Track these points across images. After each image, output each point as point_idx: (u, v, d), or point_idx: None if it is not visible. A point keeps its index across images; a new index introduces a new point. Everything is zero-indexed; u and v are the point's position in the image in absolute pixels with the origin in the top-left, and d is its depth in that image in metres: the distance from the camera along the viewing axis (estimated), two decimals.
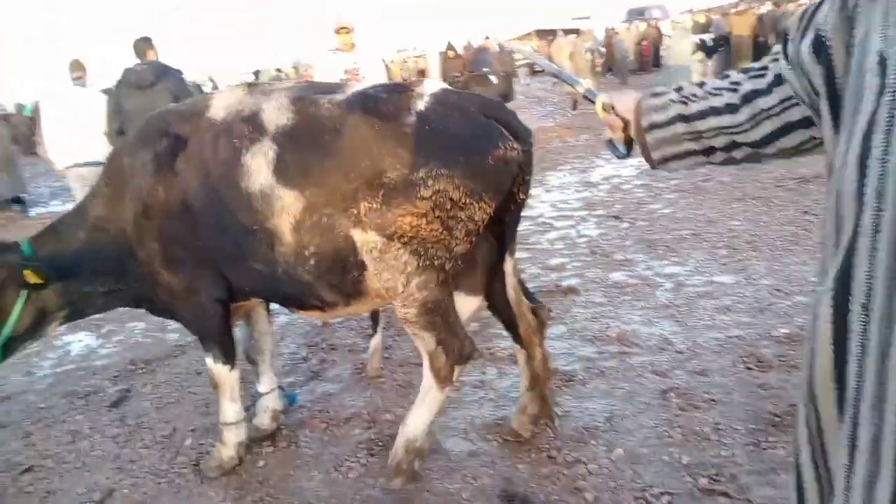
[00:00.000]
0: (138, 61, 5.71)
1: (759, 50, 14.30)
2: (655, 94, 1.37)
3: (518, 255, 5.29)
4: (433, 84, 2.47)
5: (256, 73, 27.59)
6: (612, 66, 22.12)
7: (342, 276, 2.43)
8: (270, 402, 3.14)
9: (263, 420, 3.13)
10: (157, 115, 2.81)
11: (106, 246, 2.72)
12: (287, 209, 2.36)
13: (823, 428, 0.86)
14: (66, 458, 3.19)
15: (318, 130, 2.36)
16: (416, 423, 2.56)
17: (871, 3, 0.86)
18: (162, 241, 2.61)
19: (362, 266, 2.39)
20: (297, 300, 2.63)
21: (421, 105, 2.29)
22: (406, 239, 2.25)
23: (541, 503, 2.45)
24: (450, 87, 2.54)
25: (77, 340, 4.84)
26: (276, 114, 2.44)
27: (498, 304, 2.69)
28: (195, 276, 2.65)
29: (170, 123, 2.65)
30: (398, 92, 2.39)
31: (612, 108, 1.47)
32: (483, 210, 2.28)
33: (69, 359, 4.51)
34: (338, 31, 5.51)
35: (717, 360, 3.31)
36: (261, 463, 2.93)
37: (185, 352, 4.31)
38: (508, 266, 2.56)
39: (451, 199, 2.21)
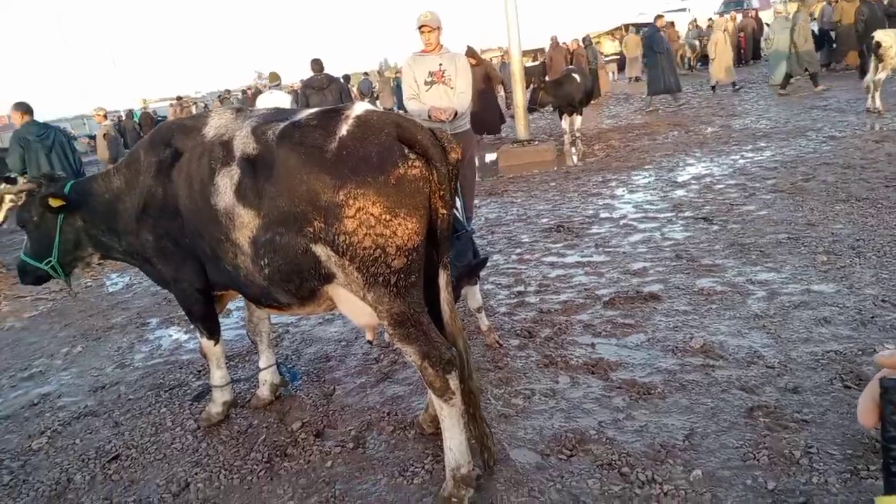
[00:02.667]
0: (313, 74, 9.94)
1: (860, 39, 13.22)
2: None
3: (597, 258, 5.19)
4: (359, 107, 2.55)
5: (346, 77, 28.29)
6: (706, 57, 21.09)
7: (298, 284, 2.61)
8: (269, 377, 3.64)
9: (263, 392, 3.65)
10: (167, 125, 3.19)
11: (118, 213, 3.24)
12: (246, 226, 2.63)
13: None
14: (149, 448, 3.34)
15: (268, 158, 2.56)
16: (450, 448, 2.52)
17: None
18: (155, 234, 3.09)
19: (316, 275, 2.55)
20: (256, 300, 2.94)
21: (343, 129, 2.43)
22: (349, 255, 2.38)
23: None
24: (373, 110, 2.57)
25: (168, 335, 5.09)
26: (242, 142, 2.69)
27: (433, 318, 2.60)
28: (180, 268, 3.12)
29: (173, 136, 3.01)
30: (327, 118, 2.54)
31: None
32: (404, 226, 2.35)
33: (159, 353, 4.75)
34: (420, 30, 5.26)
35: (811, 377, 3.04)
36: (328, 463, 2.95)
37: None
38: (442, 280, 2.54)
39: (374, 216, 2.32)
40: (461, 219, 3.64)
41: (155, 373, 4.35)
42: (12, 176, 8.78)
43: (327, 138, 2.41)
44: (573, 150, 11.33)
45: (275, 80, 10.04)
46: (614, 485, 2.52)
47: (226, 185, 2.66)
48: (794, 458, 2.49)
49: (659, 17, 15.35)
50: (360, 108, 2.52)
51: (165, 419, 3.63)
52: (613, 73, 28.10)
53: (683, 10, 30.10)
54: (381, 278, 2.38)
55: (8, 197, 8.60)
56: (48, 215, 3.33)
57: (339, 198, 2.34)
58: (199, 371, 4.21)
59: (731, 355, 3.37)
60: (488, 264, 5.54)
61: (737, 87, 15.75)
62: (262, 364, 3.64)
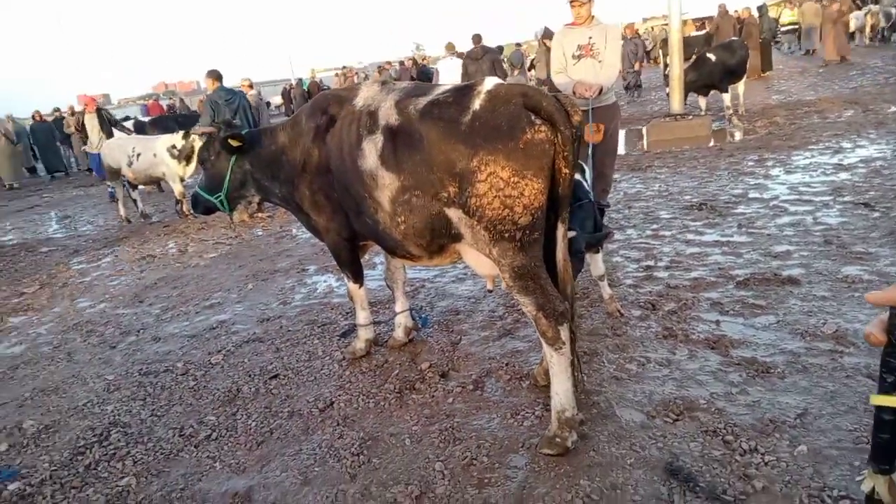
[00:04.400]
0: (473, 46, 11.68)
1: None
2: None
3: (738, 238, 5.09)
4: (489, 82, 2.78)
5: (500, 48, 28.36)
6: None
7: (429, 240, 2.98)
8: (403, 320, 4.06)
9: (398, 333, 4.07)
10: (324, 95, 3.63)
11: (280, 164, 3.70)
12: (387, 187, 2.98)
13: None
14: (302, 371, 3.90)
15: (409, 129, 2.88)
16: (556, 392, 2.76)
17: None
18: (311, 189, 3.54)
19: (446, 234, 2.89)
20: (392, 251, 3.34)
21: (476, 103, 2.69)
22: (479, 216, 2.66)
23: (705, 482, 2.43)
24: (501, 83, 2.77)
25: (323, 281, 5.72)
26: (386, 112, 3.02)
27: (549, 266, 2.82)
28: (331, 218, 3.55)
29: (329, 104, 3.42)
30: (461, 94, 2.81)
31: None
32: (531, 186, 2.57)
33: (315, 294, 5.38)
34: (571, 4, 5.21)
35: None
36: (450, 400, 3.29)
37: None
38: (559, 233, 2.77)
39: (503, 179, 2.58)
40: (586, 188, 3.76)
41: (311, 311, 4.97)
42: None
43: (462, 112, 2.70)
44: (730, 125, 10.73)
45: (451, 49, 12.70)
46: (716, 450, 2.61)
47: (371, 150, 3.02)
48: None
49: None
50: (489, 82, 2.78)
51: (317, 349, 4.19)
52: (791, 44, 25.74)
53: None
54: (506, 234, 2.63)
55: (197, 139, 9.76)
56: (223, 155, 3.88)
57: (473, 164, 2.62)
58: (347, 312, 4.74)
59: (864, 344, 3.24)
60: (619, 237, 5.59)
61: None
62: (397, 309, 4.07)
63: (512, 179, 2.57)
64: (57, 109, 22.70)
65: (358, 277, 3.88)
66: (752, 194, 6.39)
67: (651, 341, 3.62)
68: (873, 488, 1.35)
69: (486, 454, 2.80)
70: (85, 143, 12.48)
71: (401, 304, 4.06)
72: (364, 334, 3.98)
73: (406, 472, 2.76)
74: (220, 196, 3.97)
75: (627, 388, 3.17)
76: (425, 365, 3.69)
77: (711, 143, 9.69)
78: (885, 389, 1.29)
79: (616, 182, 7.74)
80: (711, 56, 10.97)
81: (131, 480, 3.03)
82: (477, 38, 11.71)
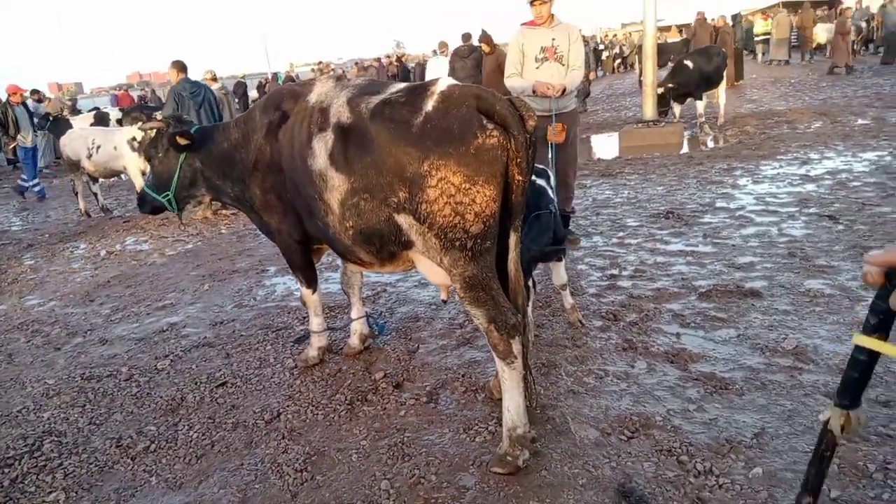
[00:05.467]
0: (461, 44, 11.89)
1: None
2: None
3: (702, 248, 5.04)
4: (443, 83, 2.67)
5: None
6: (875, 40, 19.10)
7: (378, 246, 2.87)
8: (359, 327, 3.92)
9: (353, 341, 3.92)
10: (277, 90, 3.52)
11: (233, 162, 3.55)
12: (336, 188, 2.86)
13: None
14: (251, 379, 3.75)
15: (360, 129, 2.76)
16: (508, 409, 2.66)
17: None
18: (263, 189, 3.39)
19: (396, 241, 2.77)
20: (343, 255, 3.25)
21: (429, 104, 2.58)
22: (429, 223, 2.55)
23: None
24: (455, 84, 2.67)
25: (282, 283, 5.56)
26: (337, 110, 2.89)
27: (501, 276, 2.73)
28: (282, 220, 3.41)
29: (283, 99, 3.28)
30: (414, 94, 2.70)
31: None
32: (482, 193, 2.47)
33: (272, 297, 5.21)
34: (531, 3, 5.06)
35: None
36: (402, 413, 3.17)
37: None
38: (511, 241, 2.67)
39: (454, 185, 2.47)
40: (551, 195, 3.67)
41: (266, 314, 4.81)
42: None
43: (414, 114, 2.57)
44: (702, 133, 10.77)
45: (443, 47, 13.32)
46: (669, 470, 2.54)
47: (321, 149, 2.89)
48: (867, 472, 2.39)
49: None
50: (444, 83, 2.66)
51: (269, 356, 4.04)
52: (765, 53, 26.10)
53: None
54: (458, 243, 2.53)
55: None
56: (171, 153, 3.71)
57: (424, 168, 2.50)
58: (304, 317, 4.58)
59: (823, 360, 3.21)
60: (585, 245, 5.52)
61: None
62: (353, 315, 3.93)
63: (463, 185, 2.46)
64: None
65: (311, 282, 3.74)
66: (718, 203, 6.38)
67: (610, 353, 3.55)
68: (829, 419, 1.47)
69: (434, 472, 2.68)
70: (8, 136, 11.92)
71: (356, 310, 3.93)
72: (317, 341, 3.83)
73: (350, 492, 2.63)
74: (167, 195, 3.80)
75: (584, 402, 3.08)
76: (379, 375, 3.57)
77: (683, 151, 9.71)
78: (867, 330, 1.37)
79: (586, 188, 7.71)
80: (689, 63, 10.96)
81: (60, 495, 2.86)
82: (466, 37, 12.02)
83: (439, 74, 11.35)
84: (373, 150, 2.66)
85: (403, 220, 2.64)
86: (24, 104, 11.64)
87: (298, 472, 2.78)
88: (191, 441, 3.16)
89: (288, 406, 3.37)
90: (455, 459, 2.76)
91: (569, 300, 3.92)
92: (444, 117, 2.51)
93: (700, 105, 11.10)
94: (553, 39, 5.09)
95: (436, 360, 3.71)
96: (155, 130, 3.86)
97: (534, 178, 3.27)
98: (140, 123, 8.93)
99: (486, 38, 11.03)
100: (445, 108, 2.52)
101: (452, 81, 2.70)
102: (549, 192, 3.70)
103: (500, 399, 2.98)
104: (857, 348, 1.39)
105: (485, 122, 2.47)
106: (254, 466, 2.89)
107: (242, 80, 24.59)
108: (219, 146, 3.62)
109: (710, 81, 10.93)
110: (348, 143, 2.79)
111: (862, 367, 1.41)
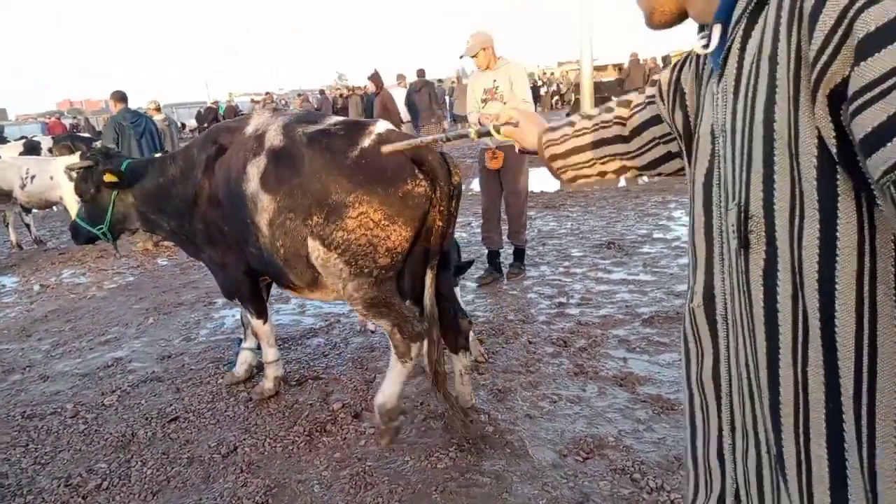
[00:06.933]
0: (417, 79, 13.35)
1: None
2: (552, 129, 1.56)
3: (643, 277, 5.28)
4: (381, 125, 2.93)
5: (440, 80, 28.52)
6: None
7: (301, 269, 3.03)
8: (248, 358, 4.03)
9: (239, 370, 4.02)
10: (215, 126, 3.71)
11: (168, 197, 3.61)
12: (265, 209, 3.00)
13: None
14: (205, 414, 3.68)
15: (292, 152, 2.95)
16: (385, 392, 3.02)
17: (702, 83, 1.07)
18: (204, 222, 3.45)
19: (311, 265, 2.95)
20: (277, 280, 3.36)
21: (366, 142, 2.80)
22: (340, 250, 2.77)
23: None
24: (392, 129, 2.94)
25: (231, 315, 5.48)
26: (272, 136, 3.07)
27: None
28: (225, 253, 3.47)
29: (220, 134, 3.43)
30: (353, 129, 2.93)
31: (517, 123, 1.62)
32: (398, 233, 2.73)
33: (221, 330, 5.14)
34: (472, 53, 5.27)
35: None
36: (362, 442, 3.20)
37: (316, 335, 4.75)
38: (428, 279, 2.92)
39: (374, 221, 2.71)
40: None
41: (216, 347, 4.73)
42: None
43: (351, 147, 2.79)
44: None
45: (400, 79, 14.49)
46: (624, 488, 2.66)
47: (254, 173, 3.06)
48: None
49: None
50: (382, 125, 2.90)
51: (222, 390, 3.98)
52: None
53: None
54: (366, 270, 2.79)
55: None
56: (103, 188, 3.75)
57: (349, 199, 2.72)
58: (256, 350, 4.55)
59: None
60: (533, 273, 5.70)
61: None
62: (245, 344, 4.05)
63: (382, 223, 2.71)
64: None
65: (261, 313, 3.74)
66: (656, 234, 6.71)
67: (563, 378, 3.68)
68: None
69: (398, 499, 2.72)
70: None
71: (250, 342, 4.03)
72: (272, 372, 3.81)
73: None
74: (101, 228, 3.85)
75: (540, 426, 3.19)
76: (337, 405, 3.58)
77: (620, 184, 10.14)
78: None
79: (531, 219, 7.94)
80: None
81: None
82: (420, 73, 13.73)
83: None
84: (303, 173, 2.84)
85: (311, 244, 2.84)
86: None
87: None
88: (145, 477, 3.08)
89: (245, 439, 3.34)
90: (418, 486, 2.80)
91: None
92: (379, 157, 2.71)
93: None
94: (494, 81, 5.33)
95: None
96: (83, 169, 3.86)
97: None
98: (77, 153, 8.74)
99: (374, 77, 11.36)
100: (381, 149, 2.73)
101: (391, 126, 2.94)
102: None
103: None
104: None
105: (416, 170, 2.72)
106: (213, 501, 2.85)
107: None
108: (153, 181, 3.68)
109: None
110: (279, 165, 2.95)
111: None
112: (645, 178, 10.44)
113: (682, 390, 1.23)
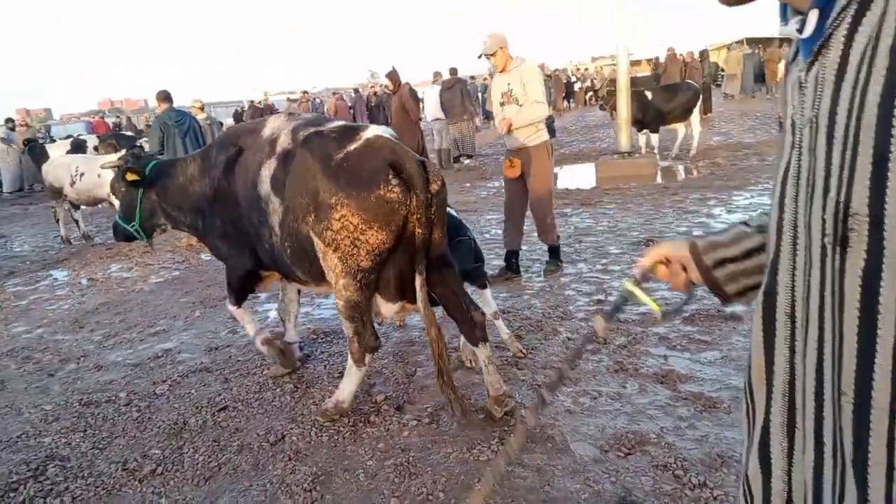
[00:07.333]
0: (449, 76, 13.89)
1: None
2: (714, 233, 1.32)
3: None
4: (373, 130, 3.06)
5: (472, 77, 28.46)
6: None
7: (308, 265, 3.23)
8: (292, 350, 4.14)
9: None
10: (234, 127, 3.99)
11: (187, 195, 3.85)
12: (276, 211, 3.23)
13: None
14: (252, 403, 3.80)
15: (294, 154, 3.12)
16: (342, 389, 3.43)
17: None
18: (221, 220, 3.66)
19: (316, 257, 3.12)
20: (287, 276, 3.61)
21: (353, 146, 2.95)
22: (333, 247, 2.95)
23: None
24: (381, 134, 3.02)
25: (274, 308, 5.62)
26: (283, 139, 3.25)
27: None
28: (233, 249, 3.69)
29: (239, 136, 3.61)
30: (345, 133, 3.08)
31: (667, 260, 1.36)
32: (375, 237, 2.87)
33: (265, 324, 5.27)
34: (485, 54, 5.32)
35: None
36: (405, 433, 3.27)
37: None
38: (417, 283, 3.03)
39: (353, 224, 2.87)
40: (466, 226, 3.95)
41: None
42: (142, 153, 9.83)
43: (338, 150, 2.93)
44: (672, 164, 11.15)
45: (436, 77, 14.57)
46: (667, 484, 2.67)
47: (266, 175, 3.22)
48: None
49: None
50: (373, 130, 3.01)
51: (268, 380, 4.10)
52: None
53: None
54: (351, 270, 2.94)
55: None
56: (131, 187, 4.01)
57: (332, 200, 2.88)
58: (300, 343, 4.66)
59: None
60: (570, 271, 5.71)
61: None
62: (287, 339, 4.20)
63: (360, 226, 2.85)
64: None
65: (239, 300, 3.97)
66: (695, 232, 6.64)
67: (603, 375, 3.70)
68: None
69: (441, 489, 2.78)
70: None
71: (290, 337, 4.21)
72: (259, 340, 4.02)
73: None
74: (134, 225, 4.08)
75: (581, 421, 3.22)
76: (381, 397, 3.66)
77: (654, 182, 10.04)
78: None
79: (567, 216, 7.94)
80: (648, 93, 11.41)
81: None
82: (452, 71, 14.10)
83: (431, 101, 13.88)
84: (297, 173, 3.01)
85: (315, 240, 3.02)
86: None
87: (308, 492, 2.85)
88: (197, 464, 3.21)
89: (292, 428, 3.44)
90: (461, 477, 2.86)
91: (504, 330, 4.06)
92: (359, 162, 2.85)
93: (655, 138, 11.61)
94: (508, 84, 5.36)
95: (434, 382, 3.78)
96: (116, 167, 4.14)
97: (452, 212, 3.63)
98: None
99: (392, 75, 11.34)
100: (363, 154, 2.88)
101: (381, 131, 3.04)
102: (464, 224, 3.95)
103: (473, 368, 3.71)
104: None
105: (390, 176, 2.82)
106: (262, 487, 2.95)
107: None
108: (174, 180, 3.90)
109: (667, 116, 11.36)
110: (286, 167, 3.11)
111: None
112: (681, 175, 10.33)
113: (740, 393, 1.19)
